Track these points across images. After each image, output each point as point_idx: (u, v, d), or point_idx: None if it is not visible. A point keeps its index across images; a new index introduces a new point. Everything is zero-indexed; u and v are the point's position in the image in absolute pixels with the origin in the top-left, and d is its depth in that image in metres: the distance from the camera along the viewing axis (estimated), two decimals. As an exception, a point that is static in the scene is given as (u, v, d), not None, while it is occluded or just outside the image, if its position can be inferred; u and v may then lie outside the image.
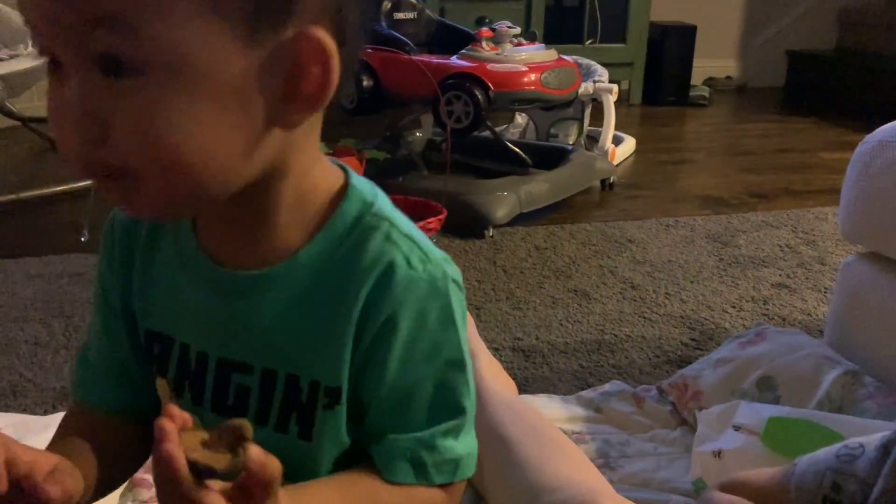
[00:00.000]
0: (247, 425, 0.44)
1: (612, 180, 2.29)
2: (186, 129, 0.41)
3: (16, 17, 2.18)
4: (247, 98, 0.43)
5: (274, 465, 0.42)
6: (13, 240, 1.88)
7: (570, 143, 2.42)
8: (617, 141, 2.54)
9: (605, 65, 2.62)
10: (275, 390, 0.51)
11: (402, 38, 2.08)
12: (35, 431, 1.01)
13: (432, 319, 0.50)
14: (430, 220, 1.65)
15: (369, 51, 2.12)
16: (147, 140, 0.41)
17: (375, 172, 2.03)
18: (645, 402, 1.15)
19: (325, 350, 0.50)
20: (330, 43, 0.43)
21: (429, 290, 0.50)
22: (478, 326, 1.23)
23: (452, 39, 2.17)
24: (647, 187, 2.35)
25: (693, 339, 1.40)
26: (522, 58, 1.98)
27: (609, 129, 2.40)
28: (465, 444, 0.53)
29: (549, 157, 2.19)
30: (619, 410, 1.13)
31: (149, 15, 0.39)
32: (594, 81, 2.41)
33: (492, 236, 1.87)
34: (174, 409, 0.44)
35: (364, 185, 0.53)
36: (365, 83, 2.07)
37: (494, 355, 1.11)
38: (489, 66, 1.93)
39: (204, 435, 0.45)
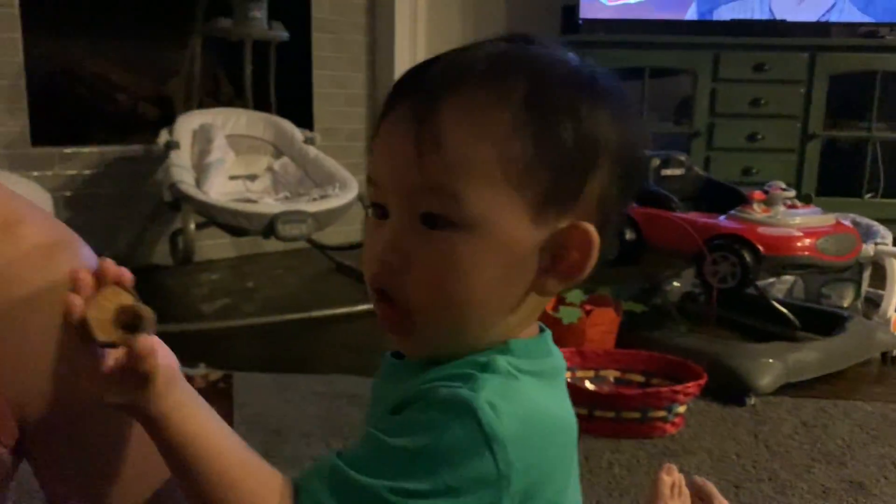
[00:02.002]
0: (147, 315, 0.46)
1: (894, 353, 2.09)
2: (472, 278, 0.50)
3: (330, 163, 2.55)
4: (523, 265, 0.51)
5: (153, 364, 0.47)
6: (303, 355, 2.14)
7: (845, 306, 2.26)
8: (901, 308, 2.32)
9: (886, 221, 2.44)
10: None
11: (668, 194, 2.11)
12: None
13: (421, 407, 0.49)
14: (688, 384, 1.62)
15: (634, 206, 2.18)
16: (438, 279, 0.50)
17: (631, 325, 2.04)
18: None
19: None
20: (595, 236, 0.51)
21: (443, 396, 0.48)
22: (737, 509, 1.18)
23: (721, 196, 2.17)
24: (938, 365, 2.11)
25: None
26: (796, 222, 1.92)
27: (893, 295, 2.21)
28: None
29: (820, 322, 2.06)
30: None
31: (469, 185, 0.49)
32: (875, 244, 2.26)
33: (753, 405, 1.78)
34: (109, 264, 0.49)
35: (500, 367, 0.51)
36: (627, 236, 2.13)
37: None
38: (760, 230, 1.90)
39: (128, 300, 0.47)
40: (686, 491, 1.16)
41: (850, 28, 3.37)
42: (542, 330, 0.57)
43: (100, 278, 0.49)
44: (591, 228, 0.51)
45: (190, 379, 0.53)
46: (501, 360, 0.51)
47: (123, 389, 0.49)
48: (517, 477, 0.47)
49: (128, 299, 0.48)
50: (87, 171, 2.69)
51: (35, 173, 2.53)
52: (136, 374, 0.48)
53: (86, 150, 2.72)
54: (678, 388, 1.59)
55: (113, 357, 0.48)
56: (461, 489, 0.46)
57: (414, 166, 0.49)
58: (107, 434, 0.62)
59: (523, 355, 0.52)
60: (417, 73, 0.53)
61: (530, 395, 0.50)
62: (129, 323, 0.47)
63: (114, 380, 0.49)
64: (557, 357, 0.57)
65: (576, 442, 0.56)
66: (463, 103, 0.50)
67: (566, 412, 0.55)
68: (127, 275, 0.50)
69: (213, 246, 2.96)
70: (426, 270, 0.50)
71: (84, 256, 0.61)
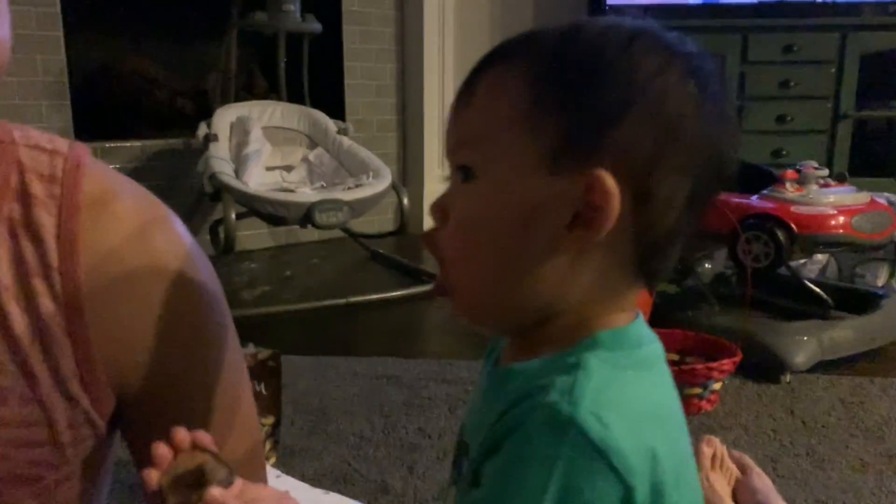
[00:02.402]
0: (210, 468, 0.49)
1: (930, 331, 2.09)
2: (484, 227, 0.50)
3: (363, 153, 2.60)
4: (540, 216, 0.49)
5: None
6: (342, 339, 2.19)
7: (880, 285, 2.26)
8: (936, 287, 2.32)
9: (921, 201, 2.44)
10: (462, 466, 0.54)
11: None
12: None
13: (516, 447, 0.45)
14: (723, 361, 1.64)
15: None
16: (457, 228, 0.51)
17: (665, 306, 2.07)
18: None
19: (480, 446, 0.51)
20: (608, 183, 0.47)
21: (542, 420, 0.45)
22: (775, 482, 1.20)
23: (751, 178, 2.17)
24: (975, 342, 2.10)
25: None
26: (830, 200, 1.93)
27: (927, 274, 2.22)
28: None
29: (855, 301, 2.07)
30: None
31: (485, 131, 0.50)
32: (910, 222, 2.25)
33: (789, 382, 1.80)
34: (182, 435, 0.53)
35: (599, 362, 0.48)
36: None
37: (795, 516, 1.08)
38: (793, 208, 1.91)
39: (201, 459, 0.51)
40: (729, 462, 1.19)
41: (881, 7, 3.34)
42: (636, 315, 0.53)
43: (175, 447, 0.53)
44: (604, 174, 0.47)
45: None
46: (593, 359, 0.47)
47: None
48: (643, 486, 0.44)
49: (201, 458, 0.51)
50: (129, 165, 2.76)
51: (79, 168, 2.60)
52: None
53: (127, 144, 2.80)
54: (713, 365, 1.62)
55: None
56: None
57: (454, 126, 0.52)
58: (193, 408, 0.65)
59: (616, 347, 0.49)
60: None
61: (633, 394, 0.48)
62: (199, 481, 0.50)
63: None
64: (650, 343, 0.52)
65: (683, 430, 0.52)
66: (503, 65, 0.51)
67: (671, 402, 0.51)
68: (201, 438, 0.54)
69: (251, 236, 3.03)
70: (452, 222, 0.51)
71: (178, 232, 0.64)
